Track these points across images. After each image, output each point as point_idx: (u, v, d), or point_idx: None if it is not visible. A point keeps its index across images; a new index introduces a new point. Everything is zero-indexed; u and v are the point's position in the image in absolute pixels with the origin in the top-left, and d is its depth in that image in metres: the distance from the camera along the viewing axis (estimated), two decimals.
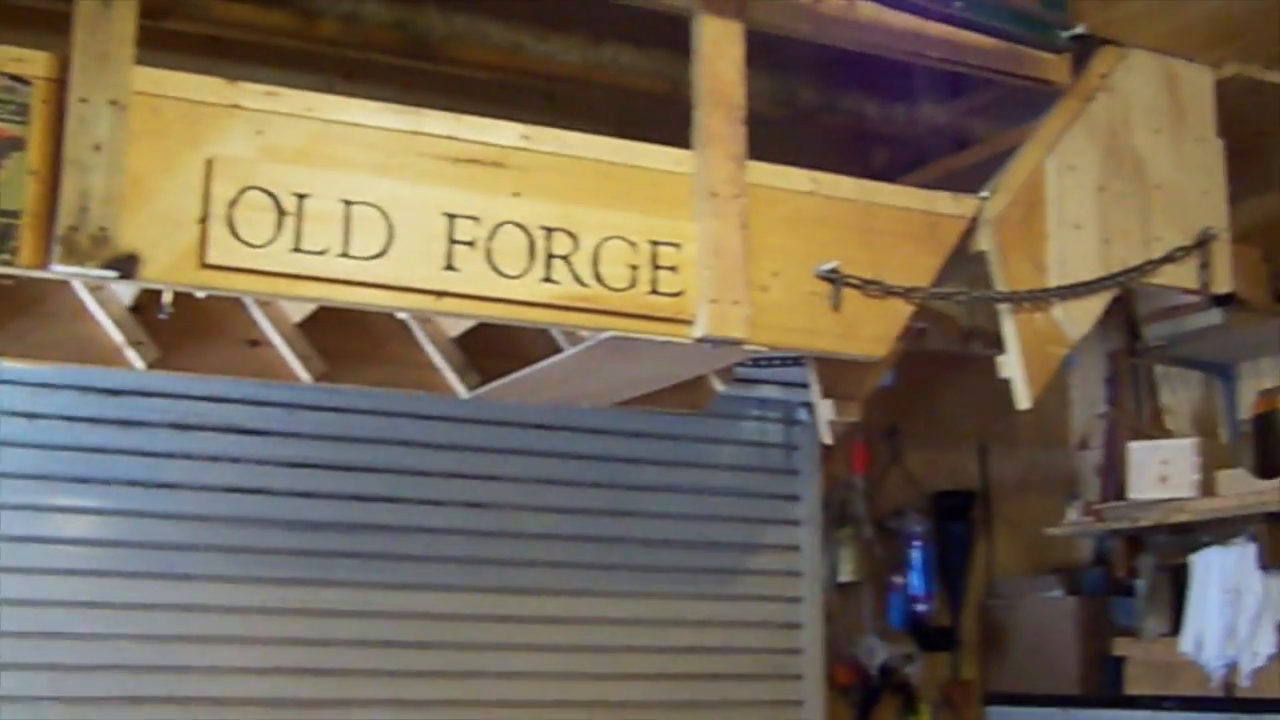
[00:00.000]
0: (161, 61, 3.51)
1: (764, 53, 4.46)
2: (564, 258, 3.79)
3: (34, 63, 3.39)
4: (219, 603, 5.18)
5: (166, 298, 4.20)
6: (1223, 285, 4.89)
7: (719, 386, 5.33)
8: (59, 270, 3.36)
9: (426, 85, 4.75)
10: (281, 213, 3.50)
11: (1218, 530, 5.77)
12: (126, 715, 5.00)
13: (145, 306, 4.38)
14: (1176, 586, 5.95)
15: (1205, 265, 4.82)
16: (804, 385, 5.05)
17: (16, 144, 3.36)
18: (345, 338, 4.77)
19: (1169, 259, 4.75)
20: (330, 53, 4.74)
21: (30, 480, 5.01)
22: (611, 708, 5.75)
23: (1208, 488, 5.72)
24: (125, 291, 4.31)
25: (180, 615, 5.12)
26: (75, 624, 4.98)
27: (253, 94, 3.55)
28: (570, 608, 5.75)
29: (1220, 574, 5.60)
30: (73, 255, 3.33)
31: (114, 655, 5.02)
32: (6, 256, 3.33)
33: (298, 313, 4.60)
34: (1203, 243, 4.82)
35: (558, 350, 4.56)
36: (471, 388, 4.89)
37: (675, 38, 4.20)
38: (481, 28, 4.74)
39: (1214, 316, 5.90)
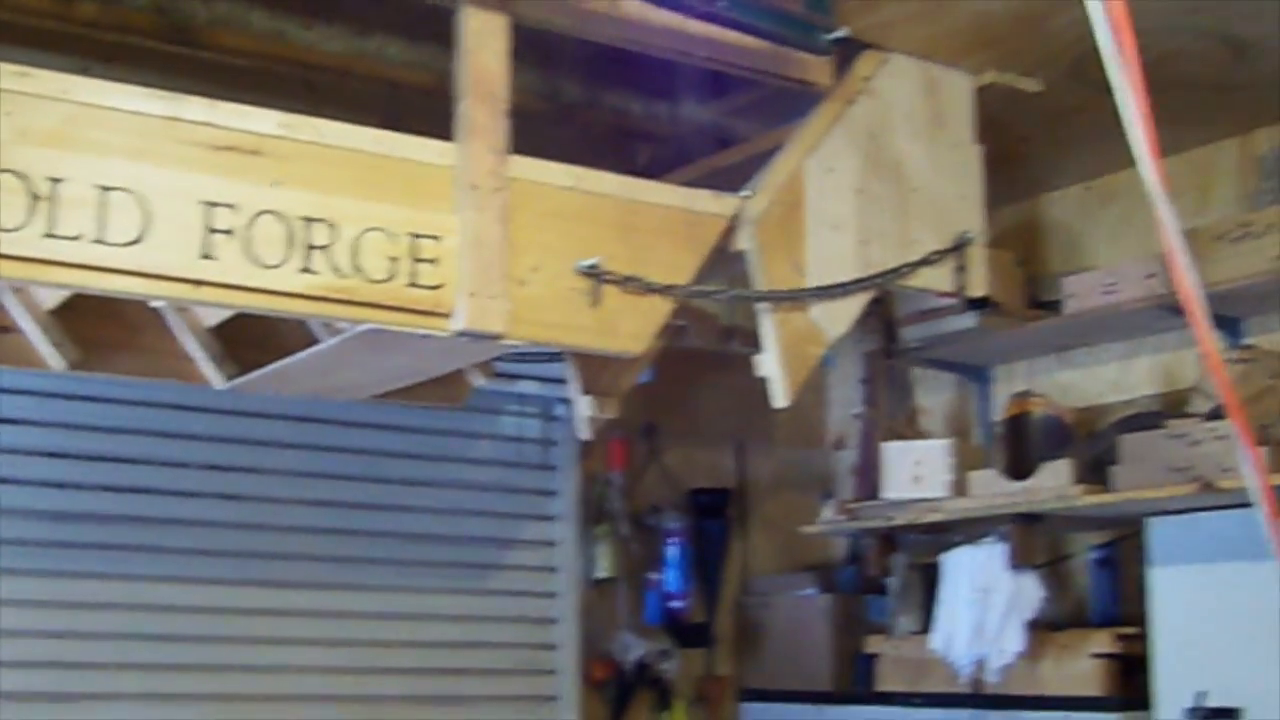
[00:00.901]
0: None
1: (529, 47, 4.45)
2: (323, 248, 3.73)
3: None
4: None
5: None
6: (978, 289, 4.96)
7: (478, 381, 5.32)
8: None
9: (187, 71, 4.65)
10: (34, 196, 3.39)
11: (969, 530, 5.89)
12: None
13: None
14: (928, 585, 6.07)
15: (961, 269, 4.88)
16: (563, 381, 5.05)
17: None
18: (100, 326, 4.68)
19: (926, 262, 4.80)
20: (88, 35, 4.63)
21: None
22: (367, 702, 5.73)
23: (960, 488, 5.83)
24: None
25: None
26: None
27: (3, 73, 3.42)
28: (326, 601, 5.72)
29: (970, 573, 5.72)
30: None
31: None
32: None
33: (51, 299, 4.50)
34: (959, 246, 4.88)
35: (316, 342, 4.53)
36: (228, 378, 4.82)
37: (441, 30, 4.17)
38: (243, 14, 4.66)
39: (969, 320, 6.02)
